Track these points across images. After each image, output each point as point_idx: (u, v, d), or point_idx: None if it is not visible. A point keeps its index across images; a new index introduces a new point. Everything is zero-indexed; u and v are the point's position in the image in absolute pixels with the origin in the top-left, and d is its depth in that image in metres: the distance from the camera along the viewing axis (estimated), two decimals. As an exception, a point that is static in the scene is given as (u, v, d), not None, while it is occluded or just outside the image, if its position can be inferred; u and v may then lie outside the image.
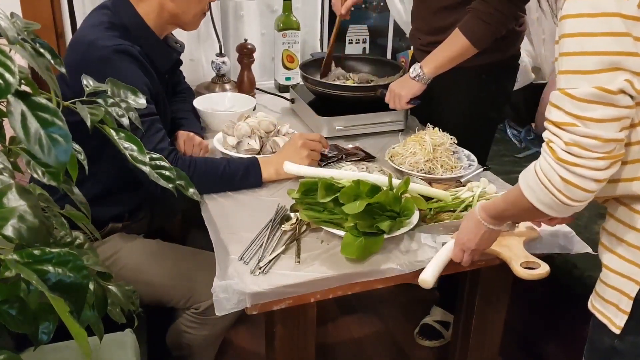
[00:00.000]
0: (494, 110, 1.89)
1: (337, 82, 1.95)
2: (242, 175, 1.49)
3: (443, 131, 1.64)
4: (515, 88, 1.96)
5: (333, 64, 2.06)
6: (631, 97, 0.88)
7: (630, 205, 0.99)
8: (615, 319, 1.02)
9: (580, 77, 0.88)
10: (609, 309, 1.03)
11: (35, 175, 0.80)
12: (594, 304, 1.07)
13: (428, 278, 1.18)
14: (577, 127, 0.89)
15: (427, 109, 1.85)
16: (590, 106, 0.88)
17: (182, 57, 1.76)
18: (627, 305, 0.99)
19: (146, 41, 1.54)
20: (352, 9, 1.89)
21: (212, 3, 1.74)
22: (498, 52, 1.74)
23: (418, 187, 1.39)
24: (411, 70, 1.71)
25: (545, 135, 0.94)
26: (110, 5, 1.55)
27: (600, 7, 0.86)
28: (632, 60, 0.86)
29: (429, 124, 1.67)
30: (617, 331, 1.01)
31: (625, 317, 1.00)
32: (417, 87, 1.71)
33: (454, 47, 1.63)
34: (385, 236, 1.24)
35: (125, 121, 0.94)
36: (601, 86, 0.87)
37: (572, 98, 0.89)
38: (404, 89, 1.73)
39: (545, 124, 0.94)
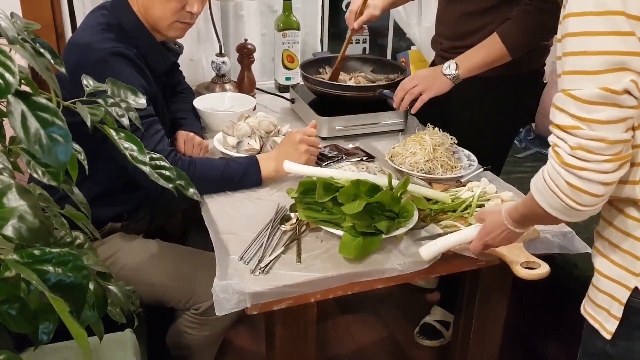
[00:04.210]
0: (514, 122, 1.86)
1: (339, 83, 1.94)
2: (242, 174, 1.49)
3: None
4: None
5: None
6: (635, 98, 0.86)
7: (624, 211, 0.98)
8: (606, 324, 1.00)
9: (584, 78, 0.86)
10: (600, 313, 1.02)
11: (35, 175, 0.80)
12: (586, 309, 1.06)
13: (424, 251, 1.20)
14: (581, 130, 0.86)
15: (444, 116, 1.81)
16: (596, 108, 0.85)
17: (182, 57, 1.76)
18: (618, 311, 0.98)
19: (143, 43, 1.54)
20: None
21: (211, 3, 1.74)
22: (523, 64, 1.69)
23: (417, 188, 1.38)
24: (445, 66, 1.63)
25: (551, 139, 0.92)
26: (109, 6, 1.55)
27: (605, 5, 0.84)
28: (638, 61, 0.84)
29: (429, 123, 1.66)
30: (608, 336, 1.00)
31: (617, 323, 0.99)
32: (446, 86, 1.64)
33: (489, 51, 1.59)
34: (383, 236, 1.24)
35: (125, 121, 0.94)
36: (607, 87, 0.84)
37: (577, 100, 0.86)
38: (435, 84, 1.64)
39: (550, 127, 0.92)
